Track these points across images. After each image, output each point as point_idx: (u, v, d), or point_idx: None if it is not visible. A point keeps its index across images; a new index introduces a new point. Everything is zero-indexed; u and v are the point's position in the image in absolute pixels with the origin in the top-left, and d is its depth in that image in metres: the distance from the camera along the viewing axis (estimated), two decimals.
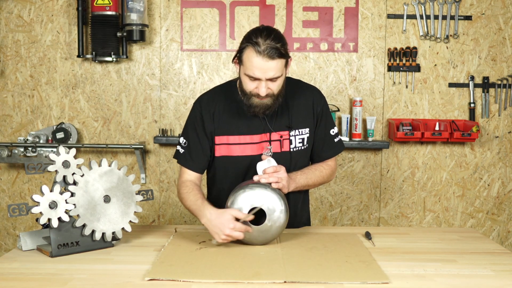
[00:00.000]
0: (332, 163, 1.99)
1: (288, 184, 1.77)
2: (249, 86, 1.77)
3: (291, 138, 1.89)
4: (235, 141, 1.87)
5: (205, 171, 1.98)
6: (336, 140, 1.98)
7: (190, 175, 1.91)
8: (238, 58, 1.80)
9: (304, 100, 1.93)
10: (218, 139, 1.89)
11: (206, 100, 1.92)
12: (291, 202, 1.88)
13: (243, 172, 1.88)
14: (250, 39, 1.73)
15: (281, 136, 1.88)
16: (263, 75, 1.73)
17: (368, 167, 3.21)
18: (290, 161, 1.89)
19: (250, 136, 1.87)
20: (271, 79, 1.74)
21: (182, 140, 1.93)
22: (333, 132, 1.97)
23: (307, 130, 1.92)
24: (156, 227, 1.95)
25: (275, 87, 1.77)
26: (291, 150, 1.89)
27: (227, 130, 1.88)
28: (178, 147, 1.94)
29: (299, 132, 1.90)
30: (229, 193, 1.74)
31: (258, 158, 1.85)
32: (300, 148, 1.91)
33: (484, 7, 3.14)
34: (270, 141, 1.87)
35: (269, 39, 1.71)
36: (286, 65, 1.80)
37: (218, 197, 1.94)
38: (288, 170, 1.81)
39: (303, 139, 1.91)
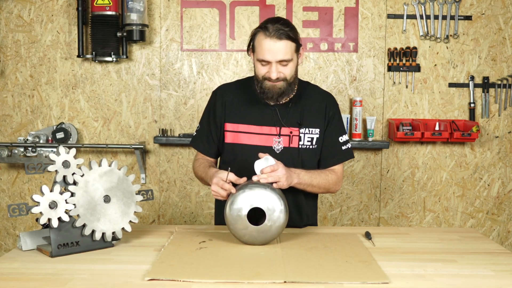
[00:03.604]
0: (338, 170, 1.97)
1: (289, 178, 1.75)
2: (261, 71, 1.85)
3: (300, 135, 1.92)
4: (244, 129, 1.93)
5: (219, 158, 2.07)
6: (344, 147, 1.98)
7: (202, 156, 2.05)
8: (252, 46, 1.88)
9: (318, 102, 1.97)
10: (228, 126, 1.96)
11: (221, 90, 2.03)
12: (295, 201, 1.91)
13: (250, 161, 1.89)
14: (260, 26, 1.84)
15: (291, 132, 1.92)
16: (273, 57, 1.80)
17: (368, 167, 3.21)
18: (297, 158, 1.91)
19: (260, 127, 1.92)
20: (282, 62, 1.81)
21: (198, 125, 2.07)
22: (341, 139, 1.97)
23: (317, 130, 1.94)
24: (156, 227, 1.95)
25: (287, 71, 1.84)
26: (300, 146, 1.92)
27: (237, 119, 1.94)
28: (195, 132, 2.08)
29: (309, 131, 1.93)
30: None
31: (266, 149, 1.89)
32: (308, 146, 1.93)
33: (484, 7, 3.14)
34: (279, 134, 1.91)
35: (277, 23, 1.80)
36: (298, 52, 1.86)
37: None
38: (295, 167, 1.84)
39: (312, 138, 1.93)
